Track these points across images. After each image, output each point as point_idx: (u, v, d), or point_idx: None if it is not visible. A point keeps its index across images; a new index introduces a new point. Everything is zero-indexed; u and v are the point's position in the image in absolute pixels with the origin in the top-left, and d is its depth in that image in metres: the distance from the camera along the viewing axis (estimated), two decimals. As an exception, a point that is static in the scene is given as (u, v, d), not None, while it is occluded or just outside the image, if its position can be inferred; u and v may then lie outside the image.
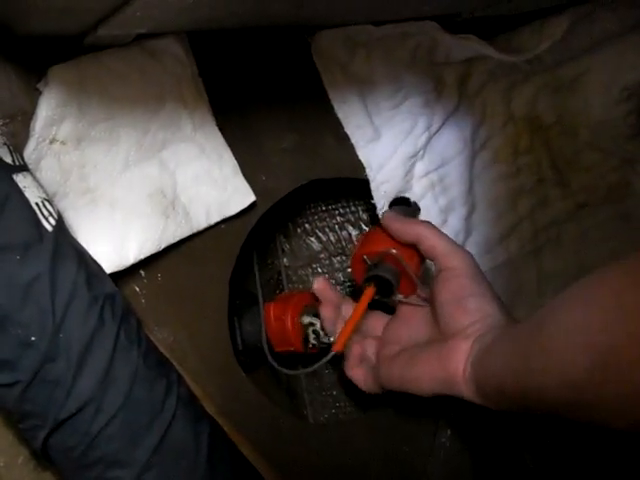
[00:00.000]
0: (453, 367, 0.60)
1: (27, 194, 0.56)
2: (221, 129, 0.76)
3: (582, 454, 0.84)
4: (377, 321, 0.76)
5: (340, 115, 0.82)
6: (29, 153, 0.62)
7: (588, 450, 0.84)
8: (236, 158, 0.77)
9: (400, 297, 0.72)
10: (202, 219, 0.74)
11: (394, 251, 0.69)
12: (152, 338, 0.68)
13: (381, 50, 0.82)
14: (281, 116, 0.82)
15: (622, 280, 0.42)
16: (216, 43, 0.76)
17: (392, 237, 0.71)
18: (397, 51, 0.82)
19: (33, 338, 0.54)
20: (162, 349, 0.68)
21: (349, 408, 0.97)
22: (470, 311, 0.62)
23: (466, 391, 0.59)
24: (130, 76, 0.68)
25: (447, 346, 0.61)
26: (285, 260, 1.04)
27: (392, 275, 0.70)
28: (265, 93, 0.80)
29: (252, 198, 0.78)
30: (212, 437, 0.65)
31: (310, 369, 0.71)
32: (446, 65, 0.85)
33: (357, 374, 0.74)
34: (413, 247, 0.70)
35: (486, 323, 0.61)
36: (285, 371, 0.77)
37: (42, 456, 0.59)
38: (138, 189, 0.70)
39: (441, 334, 0.64)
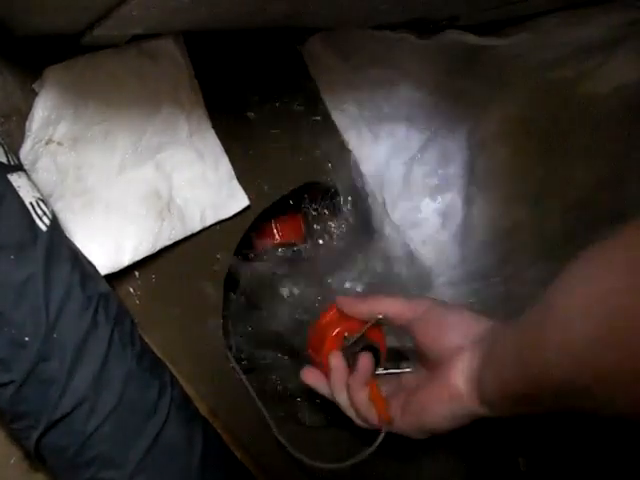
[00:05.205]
0: (453, 382, 0.59)
1: (21, 194, 0.56)
2: (217, 132, 0.76)
3: (576, 459, 0.85)
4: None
5: (337, 121, 0.82)
6: (25, 153, 0.62)
7: (582, 456, 0.84)
8: (231, 161, 0.77)
9: (386, 368, 0.71)
10: (197, 222, 0.74)
11: (380, 316, 0.68)
12: (146, 339, 0.68)
13: (376, 55, 0.82)
14: (277, 119, 0.82)
15: (634, 236, 0.41)
16: (213, 46, 0.77)
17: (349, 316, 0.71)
18: (392, 56, 0.82)
19: (27, 338, 0.54)
20: (156, 350, 0.68)
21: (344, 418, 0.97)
22: (452, 329, 0.62)
23: (471, 402, 0.58)
24: (126, 78, 0.68)
25: (443, 367, 0.60)
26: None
27: (377, 345, 0.70)
28: (261, 96, 0.81)
29: (246, 202, 0.78)
30: (205, 439, 0.65)
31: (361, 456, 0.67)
32: (441, 69, 0.85)
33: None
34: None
35: (474, 331, 0.60)
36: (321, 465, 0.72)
37: (35, 457, 0.59)
38: (134, 191, 0.70)
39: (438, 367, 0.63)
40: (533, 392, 0.50)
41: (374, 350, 0.70)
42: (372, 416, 0.66)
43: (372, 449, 0.65)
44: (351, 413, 0.69)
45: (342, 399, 0.68)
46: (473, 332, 0.60)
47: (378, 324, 0.70)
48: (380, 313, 0.68)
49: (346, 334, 0.71)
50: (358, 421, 0.69)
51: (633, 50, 0.82)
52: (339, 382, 0.68)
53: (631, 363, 0.39)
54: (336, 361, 0.68)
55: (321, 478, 0.81)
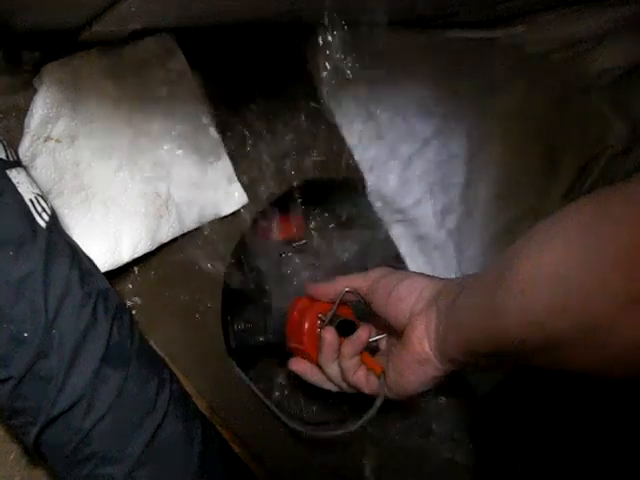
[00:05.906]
0: (418, 347, 0.61)
1: (21, 190, 0.56)
2: (216, 129, 0.76)
3: (574, 460, 0.85)
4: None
5: (337, 119, 0.82)
6: (24, 150, 0.62)
7: (580, 456, 0.84)
8: (231, 158, 0.77)
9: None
10: (195, 219, 0.74)
11: (346, 289, 0.72)
12: (145, 335, 0.68)
13: (376, 53, 0.82)
14: (277, 117, 0.82)
15: (591, 213, 0.43)
16: (213, 43, 0.77)
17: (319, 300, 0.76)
18: (392, 54, 0.82)
19: (26, 334, 0.54)
20: (155, 346, 0.68)
21: (342, 408, 0.97)
22: (404, 296, 0.64)
23: (438, 362, 0.60)
24: (125, 75, 0.68)
25: (407, 334, 0.62)
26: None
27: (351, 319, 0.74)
28: (261, 94, 0.81)
29: (245, 200, 0.78)
30: (204, 435, 0.65)
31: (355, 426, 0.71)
32: (441, 65, 0.85)
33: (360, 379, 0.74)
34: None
35: (425, 295, 0.62)
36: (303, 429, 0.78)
37: (34, 453, 0.59)
38: (132, 188, 0.70)
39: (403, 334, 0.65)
40: (493, 350, 0.53)
41: (350, 323, 0.73)
42: (361, 379, 0.70)
43: (372, 412, 0.68)
44: (340, 382, 0.73)
45: (332, 370, 0.72)
46: (425, 296, 0.62)
47: (346, 302, 0.74)
48: (345, 287, 0.72)
49: (320, 315, 0.75)
50: (346, 388, 0.73)
51: (623, 39, 0.83)
52: (331, 355, 0.72)
53: (587, 327, 0.41)
54: (330, 336, 0.71)
55: (320, 475, 0.81)
